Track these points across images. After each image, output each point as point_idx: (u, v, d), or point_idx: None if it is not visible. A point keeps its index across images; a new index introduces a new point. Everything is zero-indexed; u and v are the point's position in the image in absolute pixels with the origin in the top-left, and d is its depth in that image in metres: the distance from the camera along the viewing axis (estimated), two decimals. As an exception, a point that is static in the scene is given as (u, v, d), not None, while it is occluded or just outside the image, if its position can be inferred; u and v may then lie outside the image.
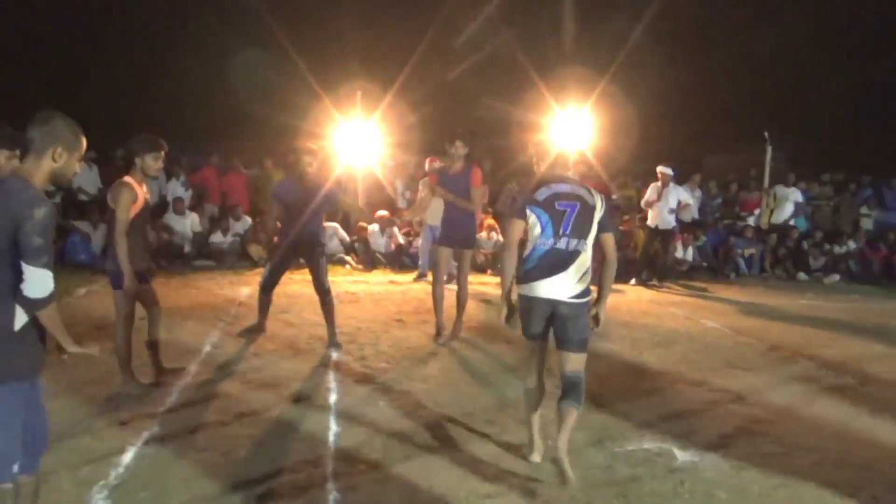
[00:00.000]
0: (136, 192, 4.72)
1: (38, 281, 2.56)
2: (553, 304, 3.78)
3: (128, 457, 3.85)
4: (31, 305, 2.59)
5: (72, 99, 15.18)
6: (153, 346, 5.23)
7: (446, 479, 3.76)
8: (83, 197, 11.92)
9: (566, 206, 3.79)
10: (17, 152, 3.55)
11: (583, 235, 3.79)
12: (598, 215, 3.82)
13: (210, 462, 3.84)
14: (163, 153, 4.86)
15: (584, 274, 3.82)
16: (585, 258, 3.82)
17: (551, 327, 3.89)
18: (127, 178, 4.73)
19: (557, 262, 3.77)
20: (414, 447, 4.19)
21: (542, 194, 3.84)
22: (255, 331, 6.57)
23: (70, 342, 2.82)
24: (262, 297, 6.52)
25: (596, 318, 3.96)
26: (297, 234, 6.12)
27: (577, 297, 3.79)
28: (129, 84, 16.04)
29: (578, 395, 3.81)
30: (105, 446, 3.98)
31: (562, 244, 3.77)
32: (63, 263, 10.36)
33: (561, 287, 3.76)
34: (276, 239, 6.55)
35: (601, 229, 3.87)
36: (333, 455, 4.01)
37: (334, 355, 6.13)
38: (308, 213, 6.05)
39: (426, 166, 10.97)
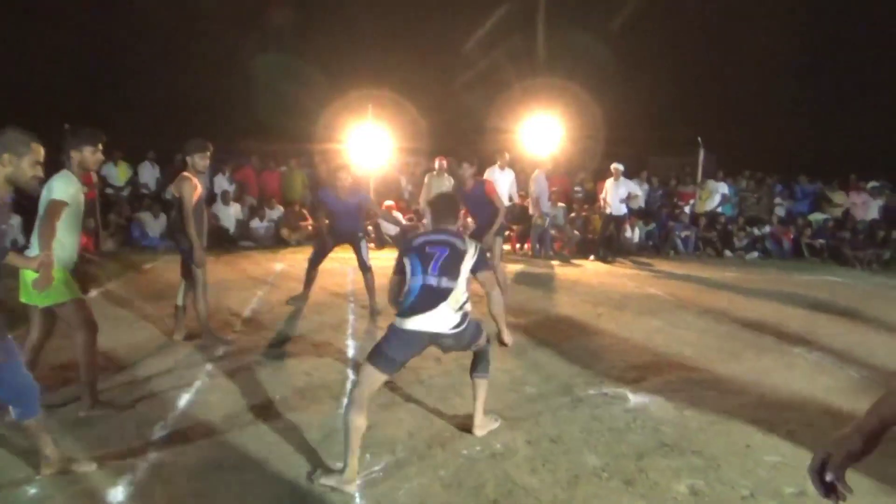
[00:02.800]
0: (195, 183, 4.74)
1: None
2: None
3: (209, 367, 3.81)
4: None
5: (140, 111, 15.06)
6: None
7: (440, 408, 3.71)
8: (145, 191, 11.82)
9: (435, 250, 3.30)
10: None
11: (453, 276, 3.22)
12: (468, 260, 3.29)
13: (259, 381, 3.78)
14: (209, 153, 4.87)
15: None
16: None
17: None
18: (186, 173, 4.75)
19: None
20: (413, 384, 4.14)
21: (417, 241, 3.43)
22: (300, 299, 6.46)
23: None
24: (309, 272, 6.41)
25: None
26: (337, 230, 6.23)
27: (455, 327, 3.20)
28: (175, 98, 15.80)
29: (486, 364, 3.49)
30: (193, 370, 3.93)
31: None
32: (130, 246, 10.31)
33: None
34: (308, 226, 6.72)
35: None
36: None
37: (377, 320, 6.00)
38: (345, 215, 6.15)
39: (436, 164, 11.00)
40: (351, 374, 4.43)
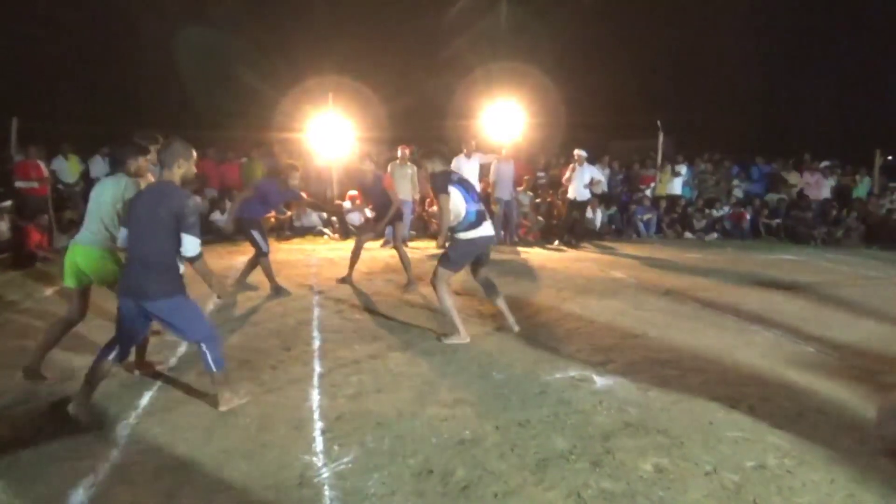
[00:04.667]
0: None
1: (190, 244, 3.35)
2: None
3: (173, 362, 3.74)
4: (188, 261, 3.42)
5: (90, 102, 14.55)
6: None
7: (408, 397, 3.71)
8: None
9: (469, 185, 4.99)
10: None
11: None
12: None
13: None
14: (159, 146, 4.72)
15: None
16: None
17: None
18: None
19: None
20: (382, 374, 4.13)
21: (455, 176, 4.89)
22: (282, 291, 6.72)
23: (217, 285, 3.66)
24: (263, 263, 6.67)
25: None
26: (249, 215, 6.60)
27: None
28: (126, 88, 15.34)
29: (494, 286, 5.16)
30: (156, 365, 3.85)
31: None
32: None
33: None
34: (271, 218, 7.03)
35: None
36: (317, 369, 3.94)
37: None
38: (270, 207, 6.80)
39: (398, 152, 10.91)
40: (318, 368, 4.39)
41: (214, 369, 3.57)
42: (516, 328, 5.10)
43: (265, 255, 6.56)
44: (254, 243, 6.55)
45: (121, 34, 15.69)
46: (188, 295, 3.52)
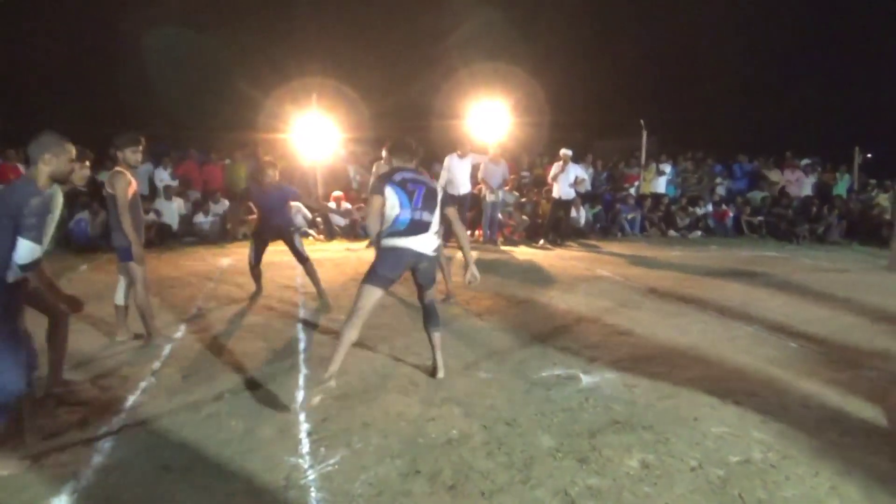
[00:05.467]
0: (130, 178, 4.59)
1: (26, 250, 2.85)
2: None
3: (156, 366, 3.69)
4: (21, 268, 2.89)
5: (71, 102, 14.37)
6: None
7: (394, 398, 3.70)
8: (82, 189, 11.29)
9: (415, 187, 3.92)
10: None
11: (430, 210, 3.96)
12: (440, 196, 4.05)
13: (207, 380, 3.69)
14: (140, 147, 4.68)
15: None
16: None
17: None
18: (119, 168, 4.59)
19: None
20: (368, 374, 4.11)
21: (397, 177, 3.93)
22: (255, 294, 6.57)
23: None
24: (253, 271, 6.50)
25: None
26: (267, 225, 6.31)
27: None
28: (108, 88, 15.13)
29: (437, 317, 4.18)
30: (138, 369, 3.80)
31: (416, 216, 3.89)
32: (68, 246, 9.90)
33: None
34: (255, 219, 6.85)
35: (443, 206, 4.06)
36: (302, 370, 3.91)
37: (327, 310, 6.08)
38: (271, 210, 6.25)
39: (383, 152, 10.80)
40: (303, 370, 4.37)
41: None
42: (440, 374, 4.17)
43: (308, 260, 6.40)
44: (299, 251, 6.36)
45: (102, 36, 15.50)
46: None
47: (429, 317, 4.16)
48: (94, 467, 2.97)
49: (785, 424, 3.47)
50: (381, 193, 3.86)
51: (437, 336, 4.17)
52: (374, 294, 3.81)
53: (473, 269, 4.15)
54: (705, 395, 3.88)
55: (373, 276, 3.82)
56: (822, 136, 17.01)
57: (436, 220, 3.98)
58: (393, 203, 3.84)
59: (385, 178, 3.88)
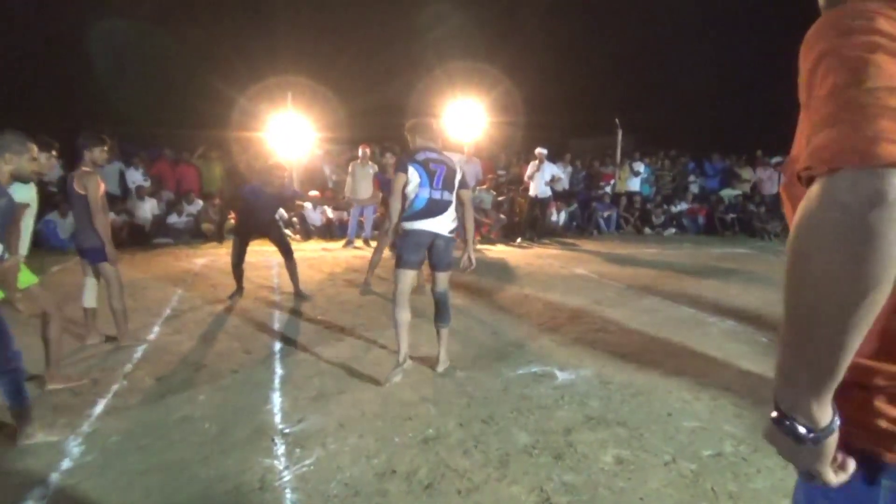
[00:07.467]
0: (98, 178, 4.53)
1: None
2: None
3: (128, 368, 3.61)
4: None
5: (38, 98, 14.03)
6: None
7: (370, 397, 3.68)
8: (53, 189, 11.08)
9: (436, 167, 4.05)
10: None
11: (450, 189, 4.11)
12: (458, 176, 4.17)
13: (181, 382, 3.63)
14: (107, 146, 4.60)
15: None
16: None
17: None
18: (87, 168, 4.50)
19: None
20: (343, 375, 4.09)
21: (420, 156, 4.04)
22: (236, 294, 6.45)
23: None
24: (235, 270, 6.38)
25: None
26: (253, 223, 6.24)
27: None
28: (76, 83, 14.81)
29: (447, 315, 4.27)
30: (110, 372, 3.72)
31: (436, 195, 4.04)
32: (37, 247, 9.66)
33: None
34: (232, 219, 6.75)
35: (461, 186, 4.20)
36: (278, 371, 3.87)
37: (304, 307, 6.14)
38: (263, 209, 6.24)
39: (359, 151, 10.77)
40: (279, 370, 4.33)
41: None
42: (441, 368, 4.28)
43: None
44: (286, 245, 6.48)
45: (72, 33, 15.18)
46: None
47: (439, 311, 4.27)
48: (63, 472, 2.91)
49: (756, 418, 3.52)
50: (405, 171, 3.99)
51: (444, 332, 4.31)
52: (408, 276, 4.08)
53: (472, 254, 4.28)
54: (679, 391, 3.93)
55: (402, 261, 4.07)
56: (792, 135, 17.29)
57: (454, 200, 4.16)
58: (414, 182, 3.99)
59: (408, 157, 4.03)
